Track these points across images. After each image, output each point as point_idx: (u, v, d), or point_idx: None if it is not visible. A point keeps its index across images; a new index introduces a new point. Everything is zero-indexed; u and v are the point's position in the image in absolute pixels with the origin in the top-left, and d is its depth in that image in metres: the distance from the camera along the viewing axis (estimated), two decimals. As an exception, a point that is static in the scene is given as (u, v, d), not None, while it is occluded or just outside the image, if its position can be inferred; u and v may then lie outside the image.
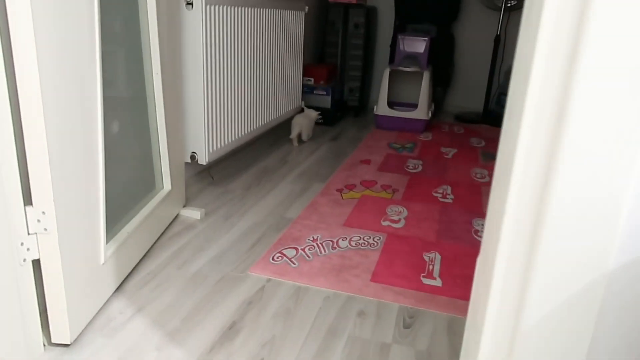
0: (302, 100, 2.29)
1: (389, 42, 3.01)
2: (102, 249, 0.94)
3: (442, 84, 2.86)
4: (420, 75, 2.56)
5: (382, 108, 2.49)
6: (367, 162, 1.96)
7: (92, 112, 0.86)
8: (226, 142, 1.56)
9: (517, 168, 0.40)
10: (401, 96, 2.70)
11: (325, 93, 2.44)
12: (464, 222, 1.44)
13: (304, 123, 2.19)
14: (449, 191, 1.68)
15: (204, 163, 1.46)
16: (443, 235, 1.35)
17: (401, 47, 2.51)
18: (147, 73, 1.14)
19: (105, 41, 0.95)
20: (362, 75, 2.76)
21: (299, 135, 2.19)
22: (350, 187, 1.66)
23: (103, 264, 0.95)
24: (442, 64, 2.82)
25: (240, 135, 1.65)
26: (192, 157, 1.45)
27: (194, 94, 1.40)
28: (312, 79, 2.50)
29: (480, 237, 1.35)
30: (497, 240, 0.44)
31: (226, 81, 1.51)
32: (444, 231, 1.37)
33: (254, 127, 1.76)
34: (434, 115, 2.84)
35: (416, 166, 1.94)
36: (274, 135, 2.25)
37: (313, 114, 2.19)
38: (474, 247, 1.29)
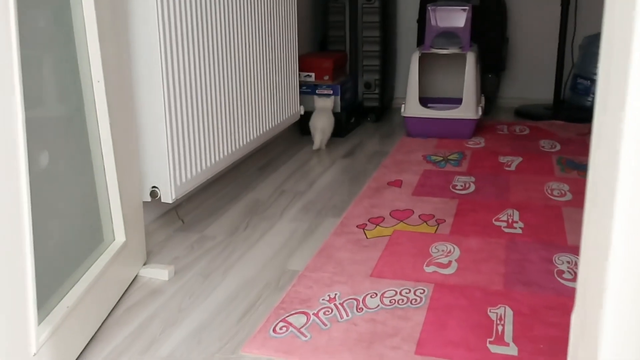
0: (300, 104, 2.31)
1: (416, 17, 3.04)
2: (33, 334, 0.92)
3: (493, 68, 2.88)
4: (462, 58, 2.57)
5: (412, 107, 2.50)
6: (397, 183, 1.95)
7: (11, 140, 0.86)
8: (199, 171, 1.56)
9: (628, 178, 0.38)
10: (438, 89, 2.71)
11: (331, 92, 2.47)
12: (541, 260, 1.42)
13: (325, 123, 2.36)
14: (515, 217, 1.67)
15: (170, 201, 1.45)
16: (513, 280, 1.33)
17: (433, 21, 2.54)
18: (86, 82, 1.15)
19: (25, 42, 0.95)
20: (382, 64, 2.79)
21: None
22: (377, 221, 1.65)
23: (34, 354, 0.93)
24: (491, 41, 2.84)
25: (217, 159, 1.65)
26: (153, 193, 1.44)
27: (151, 108, 1.40)
28: (313, 74, 2.52)
29: (570, 280, 1.32)
30: (602, 287, 0.41)
31: (195, 88, 1.52)
32: (513, 275, 1.35)
33: (236, 147, 1.77)
34: (485, 112, 2.85)
35: (466, 185, 1.93)
36: (265, 156, 2.26)
37: (328, 103, 2.35)
38: (561, 296, 1.26)
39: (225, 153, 1.70)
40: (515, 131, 2.61)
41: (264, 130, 1.97)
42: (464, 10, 2.52)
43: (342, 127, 2.54)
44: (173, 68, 1.42)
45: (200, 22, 1.52)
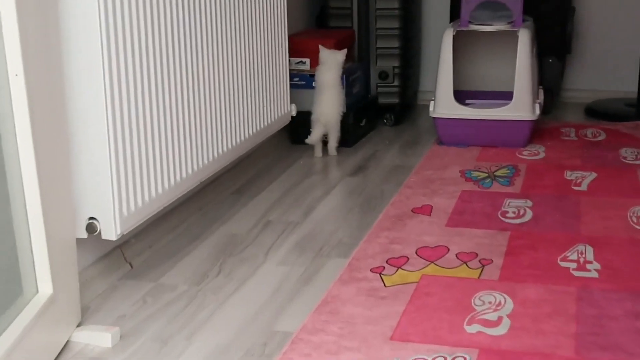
0: (291, 102, 2.32)
1: (448, -19, 3.05)
2: None
3: (555, 50, 2.89)
4: (511, 37, 2.58)
5: (445, 105, 2.51)
6: (426, 210, 1.95)
7: None
8: (153, 196, 1.56)
9: None
10: (479, 80, 2.72)
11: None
12: (627, 316, 1.42)
13: (330, 113, 2.41)
14: (589, 255, 1.67)
15: (114, 238, 1.46)
16: (589, 344, 1.33)
17: (471, -12, 2.56)
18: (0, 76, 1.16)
19: None
20: (403, 46, 2.80)
21: (325, 139, 2.44)
22: (398, 263, 1.65)
23: None
24: (551, 12, 2.86)
25: (177, 180, 1.66)
26: (91, 227, 1.45)
27: (88, 114, 1.41)
28: (308, 61, 2.53)
29: (662, 342, 1.32)
30: None
31: (147, 86, 1.52)
32: (589, 337, 1.35)
33: (203, 163, 1.76)
34: (545, 110, 2.84)
35: (521, 211, 1.93)
36: (243, 175, 2.26)
37: (333, 73, 2.40)
38: (652, 365, 1.26)
39: (189, 172, 1.70)
40: (586, 136, 2.62)
41: (241, 139, 1.97)
42: (514, -29, 2.54)
43: (349, 133, 2.54)
44: (118, 60, 1.43)
45: (154, 3, 1.54)
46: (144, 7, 1.50)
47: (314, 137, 2.40)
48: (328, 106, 2.39)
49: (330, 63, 2.40)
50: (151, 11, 1.53)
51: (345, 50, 2.43)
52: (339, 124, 2.42)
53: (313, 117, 2.40)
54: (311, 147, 2.44)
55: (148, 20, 1.52)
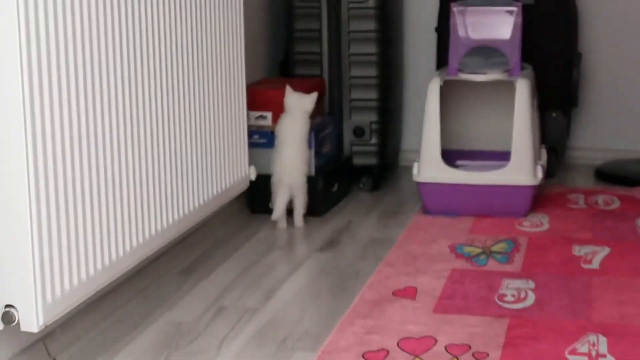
0: (249, 164, 2.32)
1: (434, 23, 3.09)
2: None
3: (559, 103, 2.92)
4: (508, 88, 2.60)
5: (431, 167, 2.52)
6: (410, 293, 1.95)
7: None
8: (83, 279, 1.55)
9: None
10: (471, 138, 2.74)
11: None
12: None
13: (294, 173, 2.41)
14: (602, 347, 1.67)
15: (36, 329, 1.44)
16: None
17: (462, 30, 2.59)
18: None
19: None
20: (381, 98, 2.83)
21: (289, 206, 2.43)
22: (377, 358, 1.64)
23: None
24: (553, 59, 2.90)
25: (112, 260, 1.64)
26: (8, 317, 1.42)
27: (3, 179, 1.40)
28: (269, 115, 2.55)
29: None
30: None
31: (76, 146, 1.52)
32: None
33: (143, 238, 1.76)
34: (548, 173, 2.86)
35: (522, 294, 1.93)
36: (191, 251, 2.25)
37: (298, 123, 2.43)
38: None
39: (127, 249, 1.69)
40: (597, 204, 2.64)
41: (190, 208, 1.97)
42: (511, 12, 2.58)
43: (318, 200, 2.55)
44: (42, 113, 1.43)
45: (82, 38, 1.54)
46: (74, 52, 1.51)
47: (278, 209, 2.39)
48: (292, 164, 2.40)
49: (297, 110, 2.42)
50: (83, 55, 1.53)
51: (315, 95, 2.44)
52: (305, 185, 2.43)
53: (274, 179, 2.41)
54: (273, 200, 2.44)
55: (81, 68, 1.52)
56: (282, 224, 2.45)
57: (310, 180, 2.48)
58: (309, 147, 2.47)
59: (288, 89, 2.43)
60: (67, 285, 1.50)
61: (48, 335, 1.66)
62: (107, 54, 1.61)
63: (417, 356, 1.64)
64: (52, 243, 1.46)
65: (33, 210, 1.42)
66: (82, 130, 1.54)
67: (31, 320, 1.43)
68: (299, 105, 2.42)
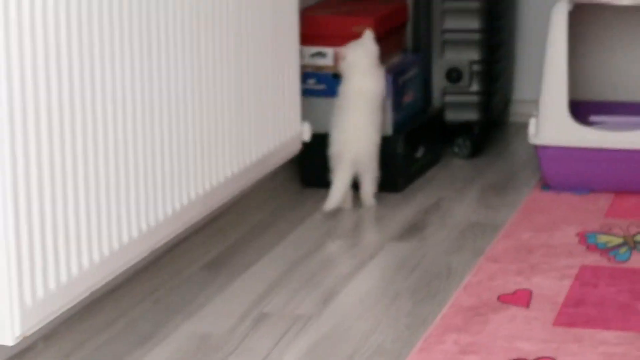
0: (302, 119, 2.33)
1: None
2: None
3: None
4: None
5: (554, 124, 2.51)
6: (522, 298, 1.95)
7: None
8: (74, 276, 1.57)
9: None
10: (611, 85, 2.72)
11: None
12: None
13: (360, 144, 2.41)
14: None
15: (10, 342, 1.46)
16: None
17: None
18: None
19: None
20: (486, 29, 2.83)
21: (355, 182, 2.45)
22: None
23: None
24: None
25: (112, 250, 1.67)
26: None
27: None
28: (330, 52, 2.55)
29: None
30: None
31: (66, 99, 1.54)
32: None
33: (156, 220, 1.78)
34: None
35: (679, 303, 1.92)
36: (220, 238, 2.27)
37: (369, 81, 2.42)
38: None
39: (133, 235, 1.71)
40: None
41: (217, 180, 1.99)
42: None
43: (397, 170, 2.56)
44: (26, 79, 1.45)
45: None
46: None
47: (335, 194, 2.40)
48: (357, 133, 2.41)
49: (360, 62, 2.43)
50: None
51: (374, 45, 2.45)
52: (376, 161, 2.45)
53: (333, 151, 2.42)
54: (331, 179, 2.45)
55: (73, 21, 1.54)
56: (347, 202, 2.46)
57: (387, 143, 2.48)
58: (385, 97, 2.47)
59: (351, 45, 2.44)
60: (52, 284, 1.52)
61: (28, 349, 1.68)
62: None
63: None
64: (34, 231, 1.48)
65: (8, 194, 1.43)
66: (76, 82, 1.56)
67: (5, 331, 1.45)
68: (362, 55, 2.43)
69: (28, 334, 1.49)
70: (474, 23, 2.79)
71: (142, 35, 1.72)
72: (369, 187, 2.47)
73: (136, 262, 1.76)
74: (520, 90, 3.16)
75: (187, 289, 2.04)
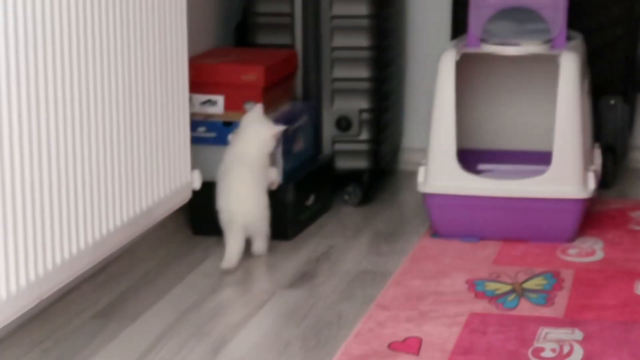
0: (193, 166, 2.32)
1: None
2: None
3: (619, 87, 2.92)
4: (550, 65, 2.61)
5: (442, 172, 2.53)
6: (411, 346, 1.95)
7: None
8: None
9: None
10: (498, 134, 2.75)
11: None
12: None
13: (249, 210, 2.39)
14: None
15: None
16: None
17: (485, -14, 2.60)
18: None
19: None
20: (375, 78, 2.83)
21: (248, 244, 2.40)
22: None
23: None
24: (613, 30, 2.89)
25: (5, 296, 1.65)
26: None
27: None
28: (221, 99, 2.55)
29: None
30: None
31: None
32: None
33: (45, 269, 1.76)
34: (603, 181, 2.86)
35: (564, 348, 1.93)
36: (111, 286, 2.25)
37: (257, 139, 2.40)
38: None
39: (21, 284, 1.68)
40: (670, 225, 2.66)
41: (107, 229, 1.97)
42: (553, -39, 2.59)
43: (286, 218, 2.56)
44: None
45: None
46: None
47: (230, 256, 2.38)
48: (245, 202, 2.40)
49: (254, 134, 2.43)
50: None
51: (280, 129, 2.44)
52: (267, 219, 2.45)
53: (222, 218, 2.41)
54: (225, 241, 2.44)
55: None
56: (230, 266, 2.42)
57: (277, 191, 2.48)
58: (275, 147, 2.48)
59: (251, 107, 2.44)
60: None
61: None
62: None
63: None
64: None
65: None
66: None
67: None
68: (258, 130, 2.43)
69: None
70: (363, 72, 2.80)
71: (30, 86, 1.70)
72: (261, 244, 2.46)
73: (22, 312, 1.74)
74: (410, 138, 3.18)
75: (76, 339, 2.01)
